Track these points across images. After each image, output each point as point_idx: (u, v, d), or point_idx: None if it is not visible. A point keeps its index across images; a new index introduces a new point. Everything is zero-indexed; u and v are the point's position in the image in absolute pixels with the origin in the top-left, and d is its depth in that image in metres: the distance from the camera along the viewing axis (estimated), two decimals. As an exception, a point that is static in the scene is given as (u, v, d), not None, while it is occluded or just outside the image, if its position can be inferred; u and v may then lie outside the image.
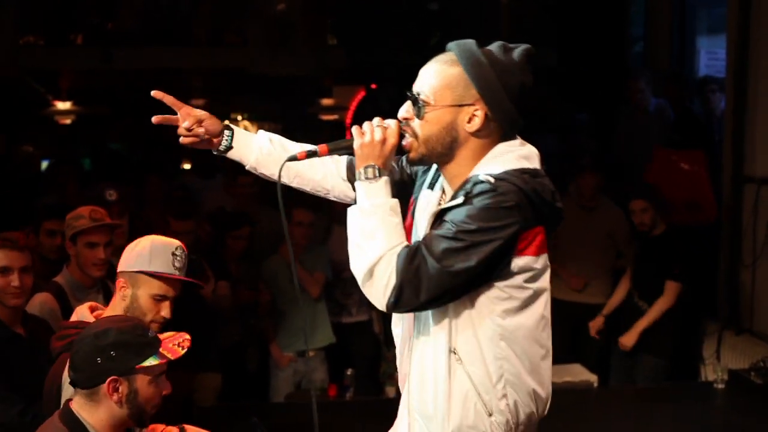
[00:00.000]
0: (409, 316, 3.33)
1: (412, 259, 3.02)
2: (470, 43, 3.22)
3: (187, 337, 3.58)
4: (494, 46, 3.23)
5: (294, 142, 3.64)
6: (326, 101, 17.08)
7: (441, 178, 3.36)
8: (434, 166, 3.41)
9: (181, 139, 3.59)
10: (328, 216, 8.17)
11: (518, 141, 3.27)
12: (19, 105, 15.07)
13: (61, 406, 3.52)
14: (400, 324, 3.44)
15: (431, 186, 3.42)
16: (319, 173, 3.63)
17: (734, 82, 8.24)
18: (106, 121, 16.97)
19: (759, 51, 7.98)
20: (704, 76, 11.23)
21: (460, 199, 3.08)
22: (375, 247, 3.07)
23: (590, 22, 11.83)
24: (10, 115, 14.49)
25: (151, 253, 4.07)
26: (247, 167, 3.64)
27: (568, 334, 8.34)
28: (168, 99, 3.59)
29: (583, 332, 8.22)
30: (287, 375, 7.84)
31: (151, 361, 3.39)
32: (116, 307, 4.09)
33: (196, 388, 7.21)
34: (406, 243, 3.10)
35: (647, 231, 7.67)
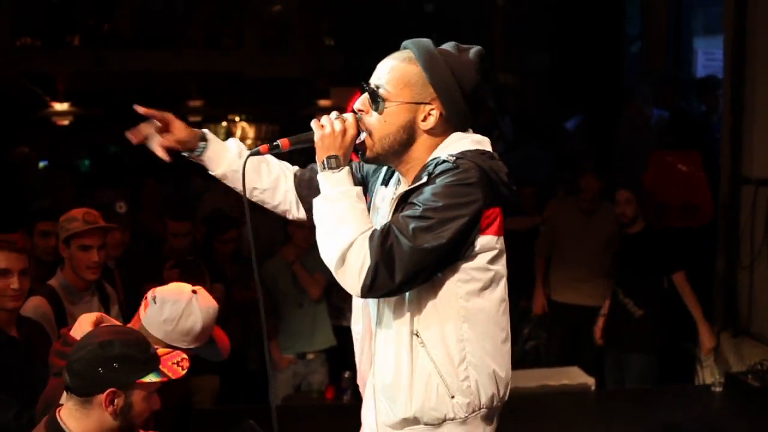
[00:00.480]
0: (372, 305, 3.35)
1: (384, 240, 3.03)
2: (427, 42, 3.28)
3: (185, 356, 3.57)
4: (449, 46, 3.30)
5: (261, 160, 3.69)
6: (323, 102, 17.06)
7: (397, 175, 3.40)
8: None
9: (159, 145, 3.60)
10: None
11: (470, 131, 3.33)
12: (16, 107, 15.07)
13: (49, 415, 3.50)
14: (360, 321, 3.49)
15: (385, 182, 3.47)
16: (272, 182, 3.71)
17: (731, 83, 8.22)
18: (102, 122, 16.98)
19: (756, 51, 7.97)
20: (709, 76, 11.21)
21: (423, 179, 3.12)
22: (345, 233, 3.09)
23: (586, 23, 11.82)
24: (6, 116, 14.48)
25: (200, 332, 4.04)
26: (214, 174, 3.70)
27: (567, 337, 8.35)
28: (151, 112, 3.62)
29: (581, 335, 8.22)
30: (286, 377, 7.82)
31: (152, 378, 3.38)
32: (134, 324, 4.05)
33: (193, 390, 7.19)
34: (374, 227, 3.12)
35: (627, 224, 7.72)
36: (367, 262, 3.03)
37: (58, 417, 3.41)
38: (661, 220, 8.35)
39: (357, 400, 6.61)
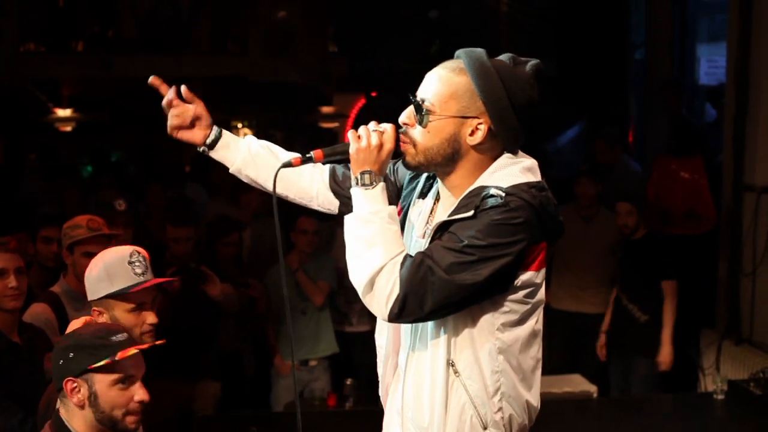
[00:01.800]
0: (396, 326, 3.31)
1: (417, 270, 2.95)
2: (480, 52, 3.13)
3: (157, 343, 3.57)
4: (504, 57, 3.17)
5: (278, 147, 3.62)
6: (326, 109, 17.12)
7: (436, 187, 3.31)
8: (424, 175, 3.36)
9: (170, 121, 3.58)
10: (333, 222, 8.13)
11: (519, 153, 3.21)
12: (20, 112, 15.09)
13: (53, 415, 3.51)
14: (385, 334, 3.41)
15: (422, 195, 3.37)
16: (306, 180, 3.59)
17: (735, 90, 8.22)
18: (106, 128, 17.01)
19: (760, 59, 7.97)
20: (721, 84, 11.23)
21: (469, 213, 3.00)
22: (375, 257, 3.00)
23: (590, 31, 11.82)
24: (11, 122, 14.51)
25: (108, 273, 3.99)
26: (231, 169, 3.60)
27: (568, 345, 8.35)
28: (163, 87, 3.60)
29: (583, 342, 8.23)
30: (289, 383, 7.81)
31: (103, 362, 3.34)
32: None
33: (195, 397, 7.20)
34: (406, 252, 3.04)
35: (629, 233, 7.74)
36: (396, 290, 2.96)
37: (60, 415, 3.43)
38: (664, 227, 8.36)
39: (360, 406, 6.66)
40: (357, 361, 8.04)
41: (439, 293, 2.95)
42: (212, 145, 3.57)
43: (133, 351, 3.39)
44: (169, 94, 3.55)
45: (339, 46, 15.88)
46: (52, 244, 6.33)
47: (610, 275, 8.12)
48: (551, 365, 8.20)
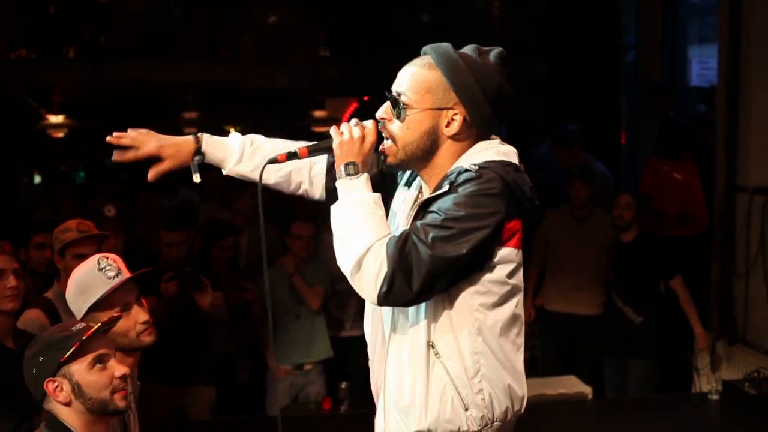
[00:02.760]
0: (386, 314, 3.33)
1: (402, 247, 2.99)
2: (446, 46, 3.25)
3: (115, 315, 3.59)
4: (468, 49, 3.26)
5: (266, 138, 3.68)
6: (319, 113, 17.10)
7: (419, 178, 3.38)
8: None
9: (150, 176, 3.62)
10: (321, 227, 8.13)
11: (497, 140, 3.30)
12: (12, 119, 15.07)
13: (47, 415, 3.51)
14: (371, 322, 3.46)
15: (408, 184, 3.45)
16: (295, 176, 3.67)
17: (726, 92, 8.24)
18: (98, 134, 16.98)
19: (750, 60, 7.99)
20: (711, 86, 11.25)
21: (445, 188, 3.08)
22: (362, 239, 3.06)
23: (581, 33, 11.83)
24: (3, 129, 14.50)
25: (82, 288, 3.99)
26: (225, 172, 3.65)
27: (562, 346, 8.36)
28: (124, 142, 3.64)
29: (577, 344, 8.23)
30: (284, 387, 7.81)
31: (72, 349, 3.35)
32: None
33: (190, 401, 7.19)
34: (392, 234, 3.09)
35: (621, 227, 7.79)
36: (384, 269, 3.00)
37: (53, 413, 3.42)
38: (657, 229, 8.37)
39: (355, 410, 6.65)
40: (351, 365, 8.03)
41: (425, 268, 2.99)
42: (199, 164, 3.63)
43: (95, 327, 3.42)
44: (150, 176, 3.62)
45: (331, 51, 15.87)
46: (45, 250, 6.34)
47: (604, 275, 8.14)
48: (546, 366, 8.25)
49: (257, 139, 3.68)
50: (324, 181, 3.65)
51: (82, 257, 5.46)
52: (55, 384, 3.35)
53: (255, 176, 3.55)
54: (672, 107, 10.54)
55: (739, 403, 6.74)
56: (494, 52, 3.25)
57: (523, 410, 3.32)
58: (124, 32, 16.08)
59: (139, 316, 4.02)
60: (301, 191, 3.70)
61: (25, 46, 15.76)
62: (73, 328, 3.42)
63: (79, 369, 3.38)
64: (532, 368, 8.51)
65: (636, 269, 7.75)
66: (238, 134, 3.69)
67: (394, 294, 3.02)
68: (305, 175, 3.66)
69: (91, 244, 5.59)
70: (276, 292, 7.70)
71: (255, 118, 17.58)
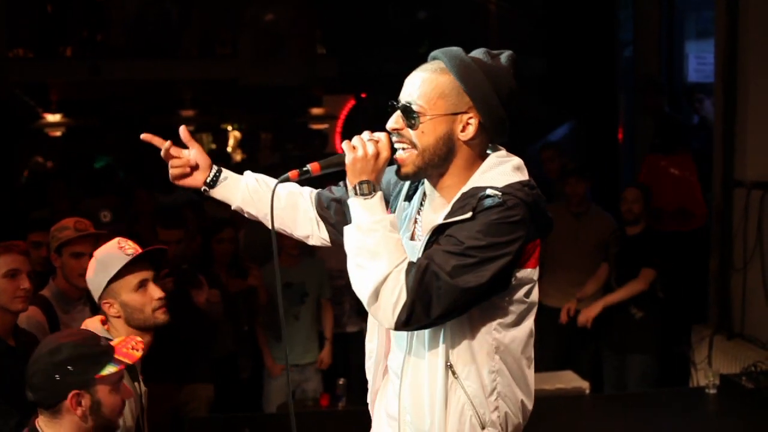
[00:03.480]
0: (386, 331, 3.33)
1: (422, 276, 2.95)
2: (457, 50, 3.18)
3: (138, 339, 3.57)
4: (479, 53, 3.20)
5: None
6: (316, 110, 17.11)
7: (422, 189, 3.34)
8: None
9: (171, 172, 3.57)
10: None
11: (504, 151, 3.25)
12: (9, 118, 15.07)
13: (28, 425, 3.50)
14: (375, 339, 3.43)
15: (408, 197, 3.40)
16: (300, 224, 3.68)
17: (723, 87, 8.24)
18: (96, 133, 16.98)
19: (747, 55, 7.99)
20: (691, 85, 11.27)
21: (468, 214, 3.01)
22: (379, 267, 3.00)
23: (579, 29, 11.83)
24: (0, 128, 14.50)
25: (102, 264, 4.13)
26: (233, 207, 3.64)
27: (560, 341, 8.36)
28: (157, 140, 3.57)
29: (575, 339, 8.23)
30: (281, 385, 7.82)
31: (109, 369, 3.36)
32: (117, 326, 4.10)
33: (188, 399, 7.19)
34: (409, 259, 3.03)
35: (630, 221, 7.78)
36: (403, 298, 2.96)
37: (37, 426, 3.40)
38: (655, 224, 8.37)
39: (352, 406, 6.66)
40: (348, 362, 8.04)
41: (445, 298, 2.96)
42: (212, 185, 3.60)
43: (138, 355, 3.48)
44: (165, 145, 3.55)
45: (328, 48, 15.87)
46: (41, 248, 6.35)
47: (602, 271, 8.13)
48: (543, 362, 8.20)
49: (265, 181, 3.66)
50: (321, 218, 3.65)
51: (80, 256, 5.51)
52: (80, 397, 3.34)
53: (263, 218, 3.60)
54: (667, 103, 10.54)
55: (736, 397, 6.75)
56: (505, 55, 3.21)
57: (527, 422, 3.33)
58: (122, 31, 16.08)
59: (155, 292, 4.15)
60: (307, 237, 3.71)
61: (23, 45, 15.75)
62: (102, 342, 3.43)
63: (104, 389, 3.40)
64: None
65: (638, 264, 7.73)
66: (250, 174, 3.67)
67: (413, 322, 2.99)
68: (309, 224, 3.67)
69: (88, 243, 5.60)
70: (273, 292, 7.70)
71: (252, 115, 17.60)
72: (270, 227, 3.44)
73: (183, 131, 3.56)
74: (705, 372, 7.40)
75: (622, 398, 7.38)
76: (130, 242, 4.18)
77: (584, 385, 6.96)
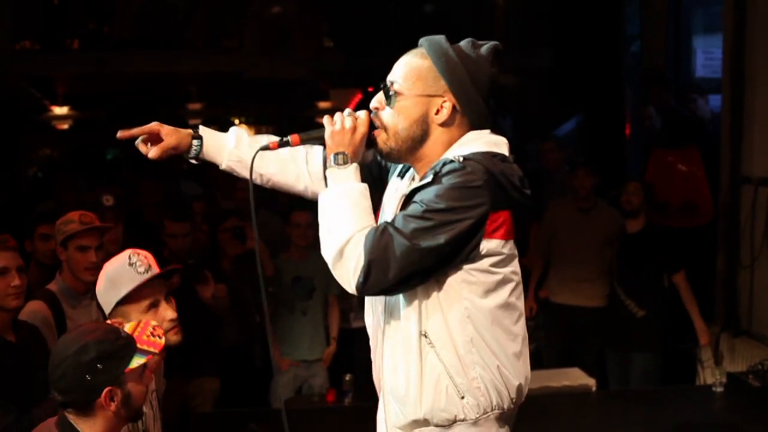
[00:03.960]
0: (379, 305, 3.34)
1: (380, 238, 3.02)
2: (440, 38, 3.28)
3: (153, 323, 3.56)
4: (463, 42, 3.29)
5: (267, 136, 3.64)
6: (323, 104, 17.11)
7: (411, 169, 3.40)
8: None
9: (150, 154, 3.58)
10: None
11: (487, 131, 3.30)
12: (16, 110, 15.09)
13: (58, 412, 3.48)
14: (371, 314, 3.46)
15: (401, 175, 3.47)
16: (292, 176, 3.67)
17: (731, 82, 8.22)
18: (102, 125, 16.99)
19: (755, 50, 7.97)
20: (698, 80, 11.26)
21: (428, 179, 3.09)
22: (345, 229, 3.08)
23: (585, 23, 11.81)
24: (7, 120, 14.50)
25: (112, 282, 4.03)
26: (222, 167, 3.65)
27: (566, 338, 8.35)
28: (135, 132, 3.58)
29: (581, 336, 8.22)
30: (287, 379, 7.81)
31: (137, 361, 3.36)
32: None
33: (193, 393, 7.19)
34: (374, 224, 3.12)
35: (629, 212, 7.77)
36: (362, 260, 3.02)
37: (69, 418, 3.40)
38: (661, 220, 8.35)
39: (359, 402, 6.65)
40: (355, 357, 8.02)
41: (402, 259, 3.01)
42: (195, 157, 3.63)
43: (163, 342, 3.49)
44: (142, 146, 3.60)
45: (334, 42, 15.87)
46: (50, 241, 6.34)
47: (608, 267, 8.11)
48: (549, 359, 8.23)
49: (247, 141, 3.67)
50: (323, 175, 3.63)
51: (85, 249, 5.49)
52: (112, 393, 3.34)
53: (239, 168, 3.62)
54: (674, 97, 10.52)
55: (743, 395, 6.74)
56: (487, 45, 3.27)
57: (522, 399, 3.32)
58: (128, 24, 16.10)
59: (166, 314, 4.06)
60: (301, 187, 3.69)
61: (29, 38, 15.77)
62: (123, 334, 3.42)
63: (132, 379, 3.39)
64: (537, 360, 8.48)
65: (640, 262, 7.72)
66: (235, 134, 3.67)
67: (371, 284, 3.05)
68: (302, 170, 3.67)
69: (93, 236, 5.59)
70: (281, 286, 7.69)
71: (258, 108, 17.61)
72: (266, 188, 3.59)
73: (131, 134, 3.58)
74: (712, 370, 7.38)
75: (629, 395, 7.36)
76: (141, 255, 4.08)
77: (591, 382, 6.94)
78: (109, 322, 3.87)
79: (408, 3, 14.42)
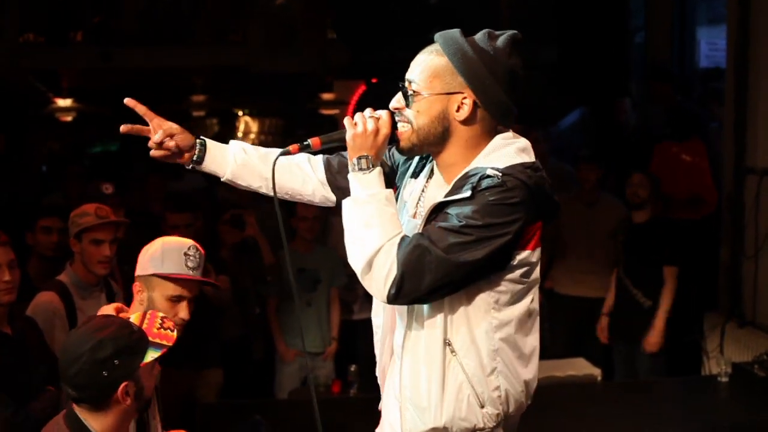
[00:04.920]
0: (391, 306, 3.32)
1: (414, 250, 2.99)
2: (454, 32, 3.22)
3: (160, 314, 3.57)
4: (479, 34, 3.23)
5: (268, 149, 3.64)
6: (327, 96, 17.07)
7: (429, 167, 3.38)
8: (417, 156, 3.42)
9: (151, 152, 3.54)
10: (327, 212, 8.09)
11: (511, 133, 3.27)
12: (21, 104, 15.08)
13: (66, 407, 3.49)
14: (381, 314, 3.45)
15: (415, 174, 3.43)
16: (298, 180, 3.63)
17: (735, 73, 8.22)
18: (107, 119, 16.98)
19: (759, 41, 7.97)
20: (703, 71, 11.26)
21: (467, 193, 3.04)
22: (373, 238, 3.04)
23: (590, 15, 11.81)
24: (11, 113, 14.50)
25: (163, 255, 4.07)
26: (222, 179, 3.63)
27: (572, 329, 8.37)
28: (140, 108, 3.54)
29: (586, 326, 8.22)
30: (293, 370, 7.81)
31: (152, 355, 3.37)
32: (135, 312, 4.08)
33: (197, 384, 7.20)
34: (403, 233, 3.08)
35: (636, 204, 7.76)
36: (394, 271, 3.00)
37: (78, 413, 3.40)
38: (666, 211, 8.36)
39: (364, 393, 6.66)
40: (360, 349, 8.03)
41: (437, 272, 2.99)
42: (199, 161, 3.58)
43: (173, 334, 3.48)
44: (155, 138, 3.53)
45: (339, 35, 15.85)
46: (52, 234, 6.35)
47: (613, 259, 8.12)
48: (555, 349, 8.25)
49: (256, 151, 3.66)
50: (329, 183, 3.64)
51: (99, 243, 5.52)
52: (127, 387, 3.35)
53: (257, 188, 3.63)
54: (678, 90, 10.52)
55: (748, 386, 6.75)
56: (504, 36, 3.21)
57: (531, 401, 3.34)
58: (133, 17, 16.09)
59: (182, 313, 4.09)
60: (309, 191, 3.66)
61: (34, 31, 15.76)
62: (135, 328, 3.42)
63: (145, 373, 3.41)
64: (542, 351, 8.46)
65: (647, 252, 7.72)
66: (237, 145, 3.65)
67: (403, 294, 3.02)
68: (309, 173, 3.64)
69: (108, 230, 5.62)
70: (285, 278, 7.69)
71: (264, 102, 17.58)
72: (272, 195, 3.45)
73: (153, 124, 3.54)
74: (717, 360, 7.39)
75: (634, 386, 7.38)
76: (199, 253, 4.15)
77: (596, 372, 6.96)
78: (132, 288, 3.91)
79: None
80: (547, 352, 8.32)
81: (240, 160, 3.58)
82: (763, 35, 7.93)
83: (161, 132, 3.49)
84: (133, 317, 3.53)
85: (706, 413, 6.44)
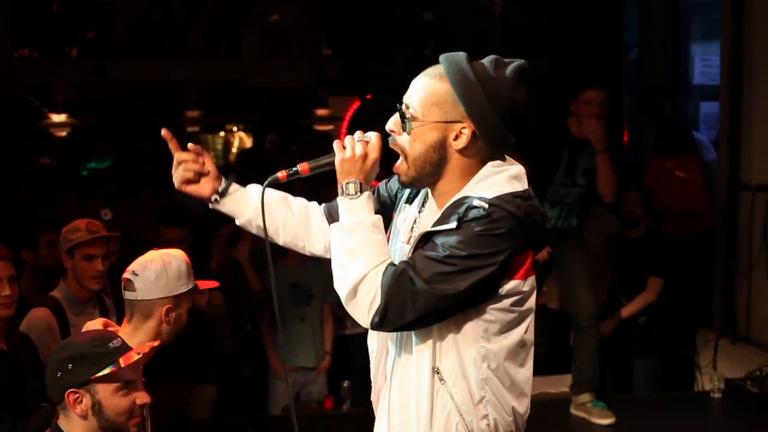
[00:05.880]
0: (390, 335, 3.29)
1: (398, 280, 2.95)
2: (460, 57, 3.12)
3: (155, 345, 3.55)
4: (486, 61, 3.14)
5: (284, 194, 3.61)
6: (321, 111, 17.10)
7: (423, 193, 3.33)
8: None
9: (181, 174, 3.49)
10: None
11: (504, 162, 3.19)
12: (15, 118, 15.08)
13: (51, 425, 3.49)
14: (376, 338, 3.42)
15: (409, 200, 3.39)
16: (315, 240, 3.62)
17: (729, 89, 8.24)
18: (101, 133, 16.99)
19: (753, 57, 7.99)
20: (697, 87, 11.30)
21: (453, 224, 2.99)
22: (358, 266, 3.02)
23: (584, 31, 11.83)
24: (5, 128, 14.49)
25: (179, 271, 4.09)
26: (239, 221, 3.56)
27: (562, 344, 8.35)
28: (173, 144, 3.50)
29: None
30: (285, 386, 7.80)
31: (107, 370, 3.34)
32: (152, 331, 4.06)
33: (191, 400, 7.19)
34: (389, 261, 3.04)
35: (632, 222, 7.80)
36: (378, 300, 2.97)
37: (59, 425, 3.41)
38: (660, 227, 8.36)
39: (356, 408, 6.65)
40: (353, 364, 8.02)
41: (420, 303, 2.95)
42: (223, 194, 3.52)
43: (136, 357, 3.38)
44: (182, 154, 3.50)
45: (333, 49, 15.87)
46: (56, 248, 6.33)
47: (607, 274, 8.11)
48: (546, 365, 8.23)
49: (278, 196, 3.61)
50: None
51: (91, 258, 5.49)
52: (77, 396, 3.33)
53: (272, 233, 3.55)
54: (668, 105, 10.54)
55: (741, 401, 6.76)
56: (512, 66, 3.12)
57: (524, 427, 3.29)
58: (127, 31, 16.09)
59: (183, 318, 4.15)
60: (319, 246, 3.64)
61: (28, 45, 15.77)
62: (110, 345, 3.39)
63: (106, 390, 3.35)
64: (535, 366, 8.46)
65: (640, 268, 7.73)
66: (257, 187, 3.56)
67: (387, 323, 3.00)
68: (321, 230, 3.60)
69: (100, 245, 5.59)
70: (279, 291, 7.67)
71: (257, 116, 17.60)
72: (278, 242, 3.49)
73: (191, 146, 3.50)
74: (710, 376, 7.39)
75: (627, 402, 7.37)
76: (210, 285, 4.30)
77: (589, 388, 6.95)
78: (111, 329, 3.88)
79: (407, 11, 14.43)
80: (539, 367, 8.31)
81: (263, 201, 3.46)
82: (756, 51, 7.95)
83: (195, 147, 3.51)
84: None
85: (699, 429, 6.45)
